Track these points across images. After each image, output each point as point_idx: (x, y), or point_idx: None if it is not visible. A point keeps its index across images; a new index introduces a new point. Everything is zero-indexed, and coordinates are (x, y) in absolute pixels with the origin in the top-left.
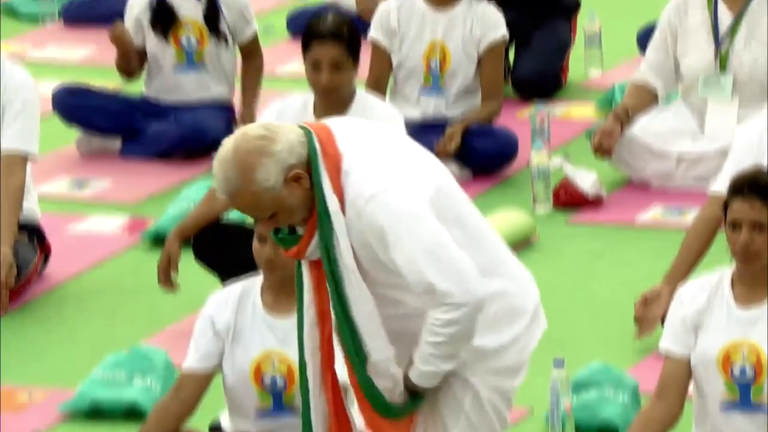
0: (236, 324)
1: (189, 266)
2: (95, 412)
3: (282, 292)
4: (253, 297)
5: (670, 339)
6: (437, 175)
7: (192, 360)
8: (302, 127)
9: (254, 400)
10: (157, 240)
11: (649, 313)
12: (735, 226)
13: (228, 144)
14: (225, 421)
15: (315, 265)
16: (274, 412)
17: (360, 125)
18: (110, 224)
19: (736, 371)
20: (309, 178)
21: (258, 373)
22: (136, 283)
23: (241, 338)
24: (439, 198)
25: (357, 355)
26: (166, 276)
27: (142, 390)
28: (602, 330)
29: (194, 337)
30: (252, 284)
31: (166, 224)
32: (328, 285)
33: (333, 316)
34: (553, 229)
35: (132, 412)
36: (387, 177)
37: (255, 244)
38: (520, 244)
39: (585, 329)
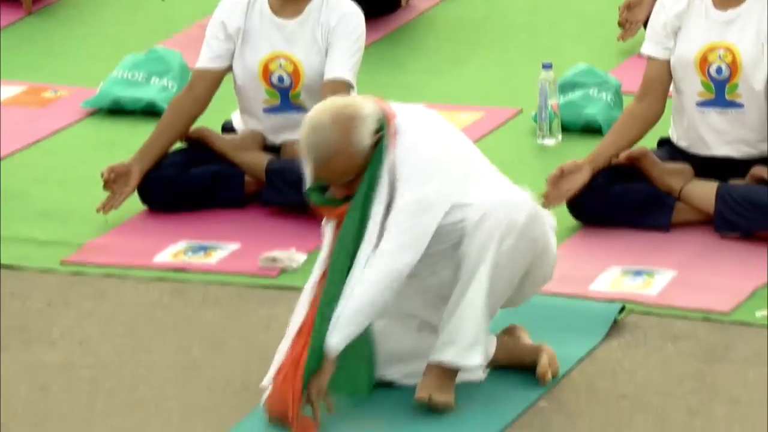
0: (246, 26)
1: None
2: (116, 110)
3: None
4: (261, 1)
5: (651, 42)
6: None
7: (204, 60)
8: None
9: (263, 97)
10: None
11: (633, 17)
12: None
13: (320, 112)
14: (236, 120)
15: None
16: (280, 108)
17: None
18: None
19: (713, 71)
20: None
21: (266, 72)
22: None
23: (250, 39)
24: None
25: (331, 304)
26: None
27: (159, 89)
28: (587, 34)
29: (206, 39)
30: None
31: None
32: (344, 234)
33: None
34: None
35: (149, 110)
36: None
37: None
38: None
39: (572, 34)
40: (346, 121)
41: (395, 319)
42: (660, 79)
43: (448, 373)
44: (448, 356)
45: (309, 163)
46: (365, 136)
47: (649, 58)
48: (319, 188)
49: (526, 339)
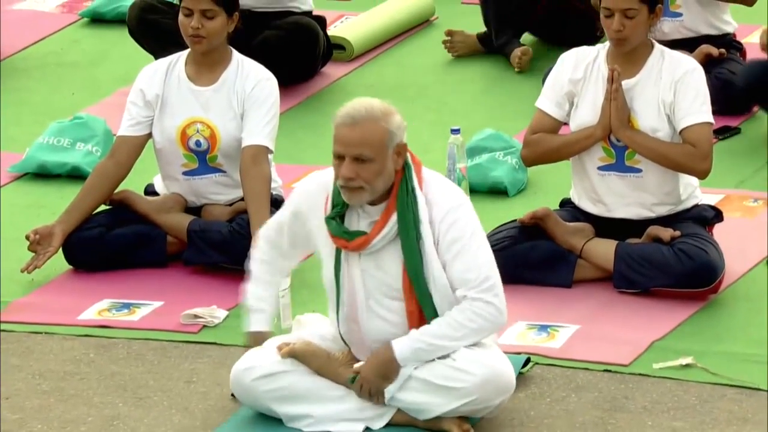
0: (164, 93)
1: (124, 42)
2: (42, 174)
3: (204, 64)
4: (179, 69)
5: (545, 98)
6: None
7: (125, 127)
8: None
9: (181, 161)
10: (94, 18)
11: None
12: (608, 13)
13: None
14: (158, 183)
15: (356, 262)
16: (198, 171)
17: None
18: (51, 3)
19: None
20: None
21: (184, 137)
22: (75, 58)
23: (168, 106)
24: None
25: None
26: None
27: (84, 154)
28: (493, 100)
29: (127, 107)
30: (177, 58)
31: (102, 3)
32: (408, 261)
33: (413, 291)
34: (450, 9)
35: (75, 174)
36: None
37: (181, 17)
38: (421, 24)
39: (478, 100)
40: (390, 108)
41: None
42: (546, 131)
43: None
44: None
45: (340, 126)
46: (397, 128)
47: (540, 111)
48: (337, 218)
49: None
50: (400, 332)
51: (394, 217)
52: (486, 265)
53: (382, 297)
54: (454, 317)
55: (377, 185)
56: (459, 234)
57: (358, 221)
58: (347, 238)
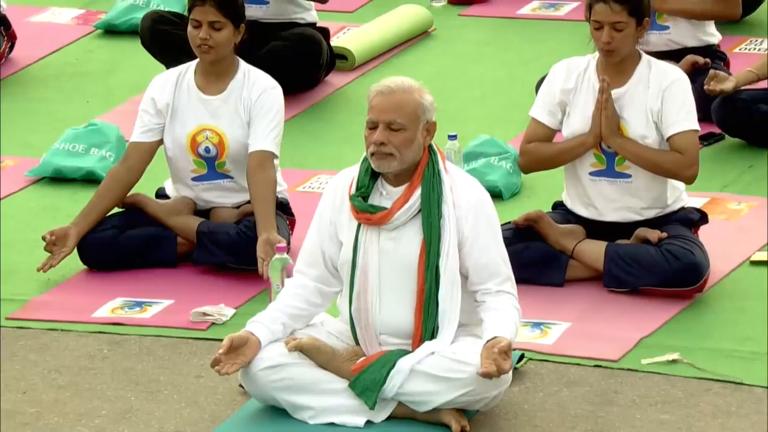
0: (174, 102)
1: (137, 52)
2: (57, 178)
3: (212, 73)
4: (188, 78)
5: (538, 108)
6: None
7: (137, 134)
8: None
9: (191, 167)
10: (108, 30)
11: None
12: (597, 26)
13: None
14: (169, 186)
15: (375, 238)
16: (207, 177)
17: None
18: (67, 15)
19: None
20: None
21: (194, 143)
22: (90, 68)
23: (179, 114)
24: None
25: (428, 307)
26: None
27: (98, 159)
28: (488, 107)
29: (139, 114)
30: (187, 67)
31: (116, 15)
32: (427, 236)
33: (425, 270)
34: (448, 20)
35: (89, 178)
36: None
37: (189, 28)
38: (420, 35)
39: (474, 107)
40: (423, 87)
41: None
42: (539, 140)
43: None
44: None
45: (377, 95)
46: (429, 105)
47: (534, 120)
48: (361, 197)
49: None
50: (407, 315)
51: (417, 193)
52: (508, 261)
53: (395, 276)
54: (511, 311)
55: (406, 155)
56: (491, 226)
57: (379, 201)
58: (371, 211)
